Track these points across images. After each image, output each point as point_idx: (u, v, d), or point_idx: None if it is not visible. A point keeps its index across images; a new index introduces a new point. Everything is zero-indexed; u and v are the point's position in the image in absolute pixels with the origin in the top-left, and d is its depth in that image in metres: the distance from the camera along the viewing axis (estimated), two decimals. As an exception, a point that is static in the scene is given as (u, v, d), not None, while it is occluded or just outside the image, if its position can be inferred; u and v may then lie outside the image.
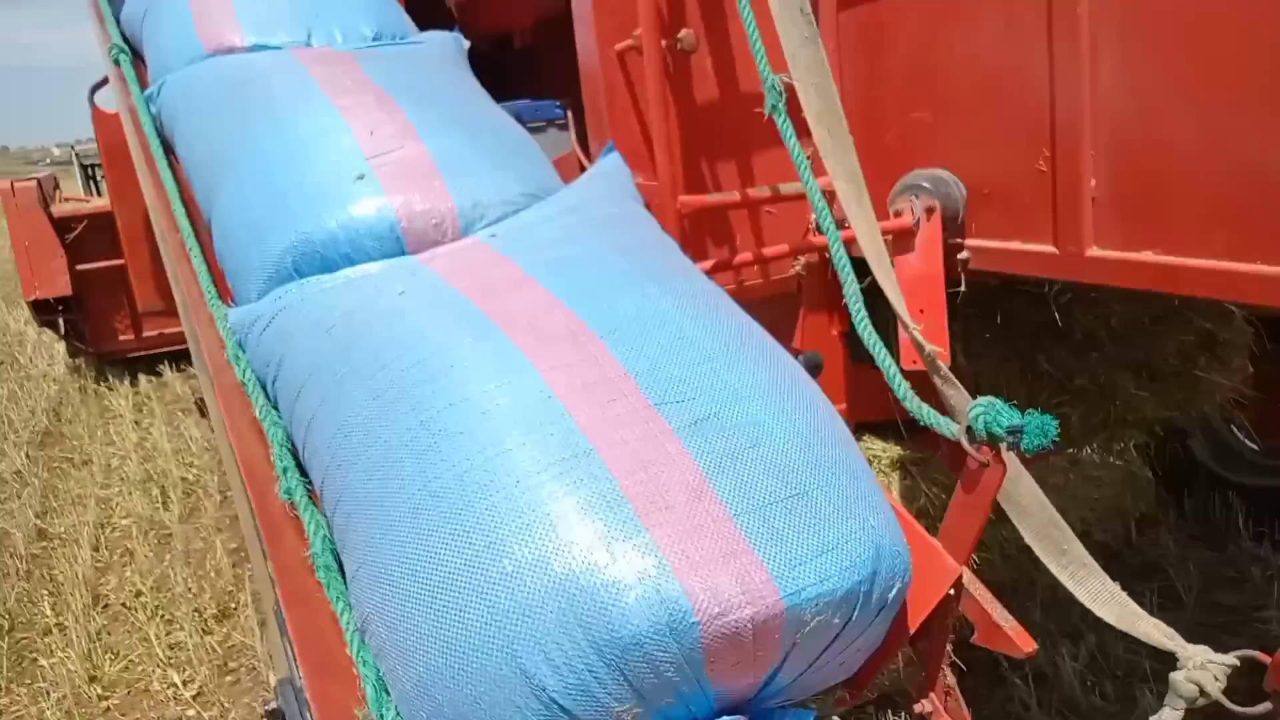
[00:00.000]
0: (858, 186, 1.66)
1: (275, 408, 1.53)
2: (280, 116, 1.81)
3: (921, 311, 1.96)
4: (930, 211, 1.92)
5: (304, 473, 1.42)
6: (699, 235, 2.23)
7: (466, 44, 2.53)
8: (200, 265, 1.78)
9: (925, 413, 1.41)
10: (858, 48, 2.09)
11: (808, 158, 1.70)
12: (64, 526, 5.30)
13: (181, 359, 8.34)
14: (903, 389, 1.44)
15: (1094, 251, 1.78)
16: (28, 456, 6.42)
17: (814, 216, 2.37)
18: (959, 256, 2.02)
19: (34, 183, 7.21)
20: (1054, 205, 1.80)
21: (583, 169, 3.05)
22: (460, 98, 1.97)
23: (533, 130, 2.73)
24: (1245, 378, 2.88)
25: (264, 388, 1.57)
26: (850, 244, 1.69)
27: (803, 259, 2.39)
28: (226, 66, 2.09)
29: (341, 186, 1.66)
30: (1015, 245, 1.91)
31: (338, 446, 1.29)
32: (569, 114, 3.01)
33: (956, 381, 1.54)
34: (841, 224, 1.75)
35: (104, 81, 5.87)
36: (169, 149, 2.17)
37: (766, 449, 1.20)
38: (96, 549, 5.01)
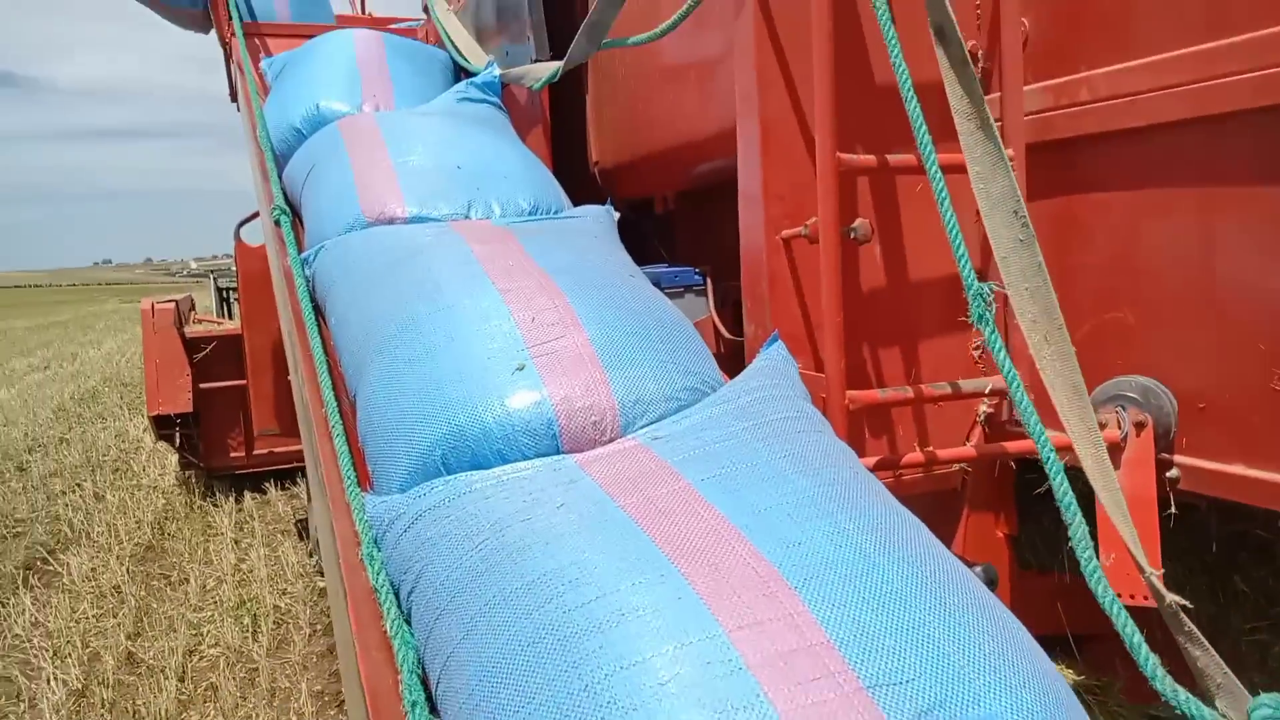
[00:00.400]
0: (1080, 399, 1.47)
1: (408, 621, 1.38)
2: (440, 297, 1.74)
3: (1097, 549, 1.71)
4: (1141, 426, 1.70)
5: (435, 708, 1.25)
6: (857, 426, 2.06)
7: (616, 215, 2.49)
8: (342, 446, 1.69)
9: (1183, 700, 1.16)
10: (1045, 240, 1.94)
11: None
12: (153, 652, 5.23)
13: (286, 478, 8.46)
14: (1151, 663, 1.19)
15: (1344, 489, 1.53)
16: (129, 572, 6.47)
17: (981, 410, 2.18)
18: (1167, 475, 1.78)
19: (173, 305, 7.60)
20: (1294, 431, 1.57)
21: (718, 335, 2.94)
22: (620, 279, 1.88)
23: (670, 295, 2.65)
24: None
25: (397, 595, 1.42)
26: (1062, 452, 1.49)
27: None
28: (387, 237, 2.07)
29: (499, 377, 1.56)
30: (1240, 470, 1.67)
31: (481, 698, 1.12)
32: (707, 281, 2.93)
33: (1206, 643, 1.29)
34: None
35: (251, 217, 6.20)
36: (319, 313, 2.14)
37: (1008, 759, 0.97)
38: (182, 679, 4.91)
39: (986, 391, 1.97)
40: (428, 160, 2.41)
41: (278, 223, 2.52)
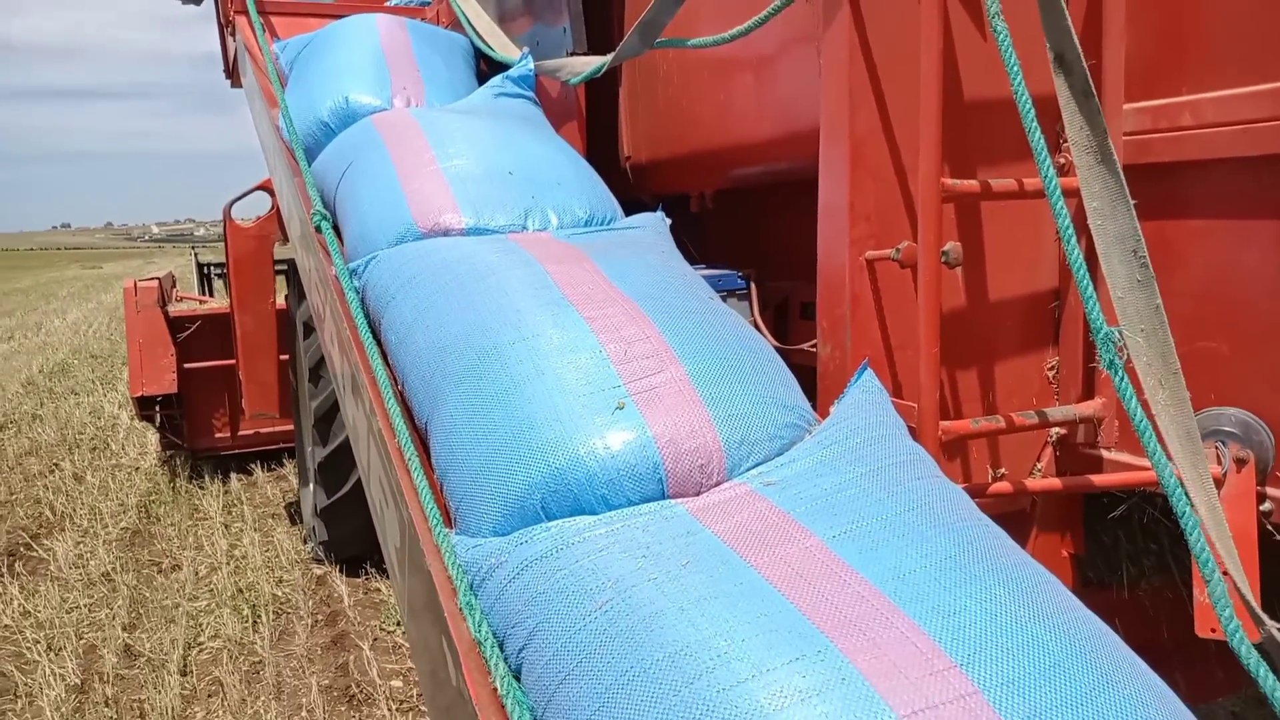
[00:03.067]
0: (1193, 443, 1.43)
1: (517, 678, 1.32)
2: (522, 325, 1.66)
3: (1224, 574, 1.70)
4: (1241, 463, 1.68)
5: (566, 778, 1.20)
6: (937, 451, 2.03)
7: (669, 221, 2.41)
8: (421, 481, 1.61)
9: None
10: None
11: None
12: (151, 644, 5.13)
13: (272, 459, 8.33)
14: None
15: None
16: (117, 559, 6.34)
17: (1053, 433, 2.14)
18: (1261, 508, 1.76)
19: (155, 283, 7.39)
20: (1403, 471, 1.55)
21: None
22: (703, 304, 1.81)
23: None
24: None
25: (501, 648, 1.36)
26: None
27: (1040, 472, 2.17)
28: (448, 251, 1.97)
29: (599, 417, 1.49)
30: (1340, 506, 1.65)
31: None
32: (751, 285, 2.87)
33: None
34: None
35: (242, 195, 6.02)
36: (372, 329, 2.05)
37: None
38: (185, 673, 4.82)
39: (1075, 419, 1.94)
40: (477, 165, 2.30)
41: (319, 228, 2.40)
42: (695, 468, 1.47)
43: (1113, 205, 1.48)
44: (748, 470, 1.50)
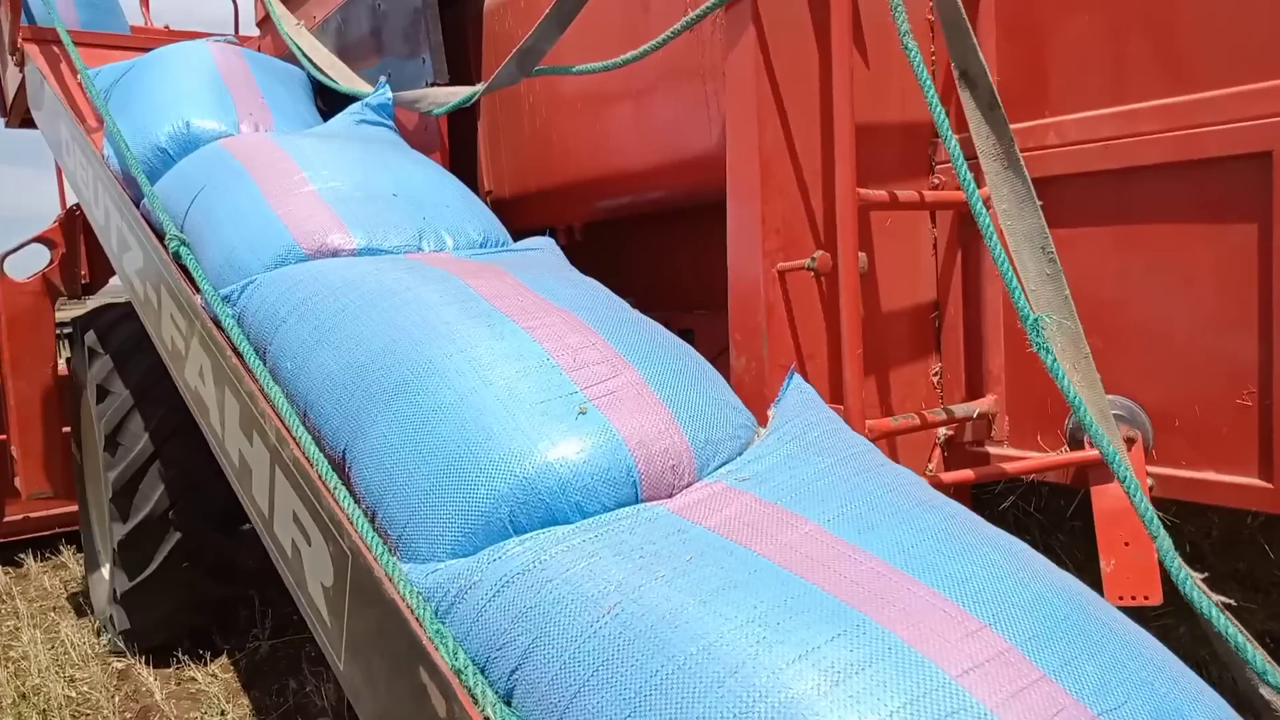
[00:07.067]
0: (1108, 421, 1.57)
1: (507, 703, 1.22)
2: (457, 337, 1.55)
3: (1126, 545, 1.85)
4: (1131, 442, 1.85)
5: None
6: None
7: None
8: (351, 506, 1.45)
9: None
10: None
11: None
12: (-95, 778, 4.29)
13: (45, 546, 7.31)
14: (1259, 658, 1.29)
15: (1318, 486, 1.73)
16: None
17: (941, 434, 2.27)
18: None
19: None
20: (1261, 439, 1.76)
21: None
22: (633, 314, 1.79)
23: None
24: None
25: (483, 671, 1.25)
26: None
27: (932, 471, 2.29)
28: (346, 270, 1.82)
29: (561, 423, 1.41)
30: (1210, 476, 1.85)
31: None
32: (630, 314, 2.87)
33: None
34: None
35: (14, 249, 5.33)
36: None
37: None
38: (-45, 807, 4.07)
39: (974, 415, 2.07)
40: (356, 187, 2.17)
41: (177, 255, 2.15)
42: (667, 469, 1.43)
43: (1020, 206, 1.61)
44: (715, 470, 1.48)
